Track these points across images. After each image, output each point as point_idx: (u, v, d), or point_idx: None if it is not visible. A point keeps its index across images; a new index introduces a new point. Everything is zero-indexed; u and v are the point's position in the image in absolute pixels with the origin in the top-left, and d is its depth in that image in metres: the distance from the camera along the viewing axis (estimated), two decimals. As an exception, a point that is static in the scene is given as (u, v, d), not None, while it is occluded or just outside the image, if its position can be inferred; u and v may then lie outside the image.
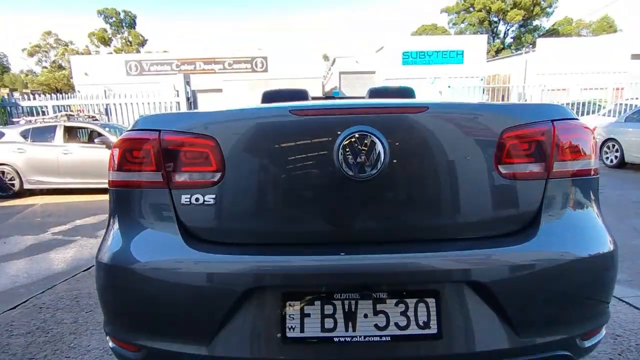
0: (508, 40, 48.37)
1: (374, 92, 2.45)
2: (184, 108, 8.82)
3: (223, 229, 1.16)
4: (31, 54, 47.17)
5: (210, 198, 1.13)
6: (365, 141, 1.09)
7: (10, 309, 2.63)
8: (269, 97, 2.45)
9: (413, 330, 1.05)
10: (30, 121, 7.99)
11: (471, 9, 45.69)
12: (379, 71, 29.47)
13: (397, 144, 1.12)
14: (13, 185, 7.19)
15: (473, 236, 1.15)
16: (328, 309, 1.06)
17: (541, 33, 45.39)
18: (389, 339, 1.05)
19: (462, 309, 1.08)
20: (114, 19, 48.55)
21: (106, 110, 9.59)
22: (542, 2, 43.80)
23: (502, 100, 16.25)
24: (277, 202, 1.16)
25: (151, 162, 1.16)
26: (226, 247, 1.13)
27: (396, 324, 1.06)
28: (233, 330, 1.06)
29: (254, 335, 1.06)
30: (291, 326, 1.06)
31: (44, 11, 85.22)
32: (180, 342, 1.08)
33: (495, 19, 46.60)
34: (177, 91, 9.07)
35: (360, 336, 1.05)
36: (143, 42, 50.82)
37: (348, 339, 1.05)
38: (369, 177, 1.09)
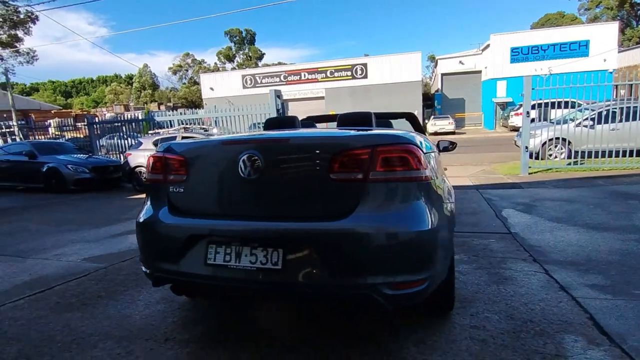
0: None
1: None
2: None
3: (186, 206, 2.00)
4: (174, 72, 56.37)
5: (180, 189, 2.00)
6: (252, 158, 1.82)
7: (123, 261, 3.93)
8: (269, 123, 3.10)
9: (268, 265, 1.74)
10: (157, 132, 10.23)
11: (608, -10, 39.48)
12: (486, 71, 27.76)
13: (270, 160, 1.82)
14: (147, 181, 9.30)
15: (310, 215, 1.77)
16: (228, 250, 1.82)
17: None
18: (255, 268, 1.75)
19: (297, 256, 1.73)
20: (237, 37, 55.05)
21: (215, 121, 11.58)
22: None
23: None
24: (211, 192, 1.97)
25: (160, 169, 2.08)
26: (186, 215, 1.97)
27: (260, 261, 1.75)
28: (187, 257, 1.89)
29: (195, 260, 1.87)
30: (209, 257, 1.84)
31: (182, 37, 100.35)
32: (166, 264, 1.96)
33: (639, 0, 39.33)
34: (272, 103, 10.48)
35: (241, 265, 1.77)
36: (261, 56, 56.50)
37: (235, 266, 1.79)
38: (253, 179, 1.83)
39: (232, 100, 29.90)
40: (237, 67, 52.06)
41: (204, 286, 1.91)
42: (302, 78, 28.34)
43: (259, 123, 26.17)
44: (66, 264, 3.65)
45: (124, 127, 11.70)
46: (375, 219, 1.68)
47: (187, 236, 1.88)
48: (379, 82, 27.08)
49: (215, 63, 56.48)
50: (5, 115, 27.63)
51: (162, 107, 48.20)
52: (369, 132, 2.00)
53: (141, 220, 2.06)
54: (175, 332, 2.20)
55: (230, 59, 55.61)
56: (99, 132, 12.32)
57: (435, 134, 24.60)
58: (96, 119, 14.31)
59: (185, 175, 2.00)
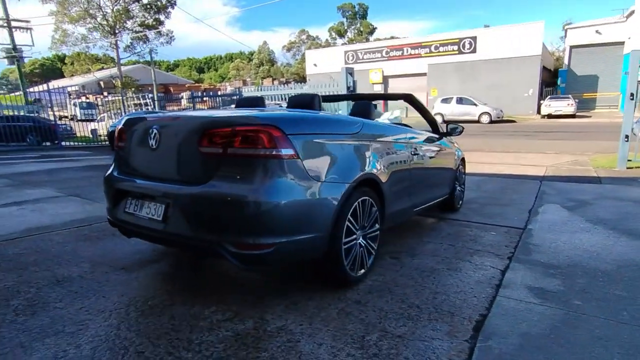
0: None
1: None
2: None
3: (123, 167, 2.54)
4: (288, 49, 59.38)
5: (121, 153, 2.54)
6: (155, 132, 2.25)
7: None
8: (240, 103, 3.35)
9: (155, 217, 2.15)
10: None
11: None
12: (629, 42, 22.93)
13: (164, 134, 2.23)
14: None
15: (184, 180, 2.14)
16: (136, 203, 2.29)
17: None
18: (148, 218, 2.19)
19: (172, 212, 2.07)
20: (350, 12, 55.02)
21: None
22: None
23: None
24: (134, 156, 2.46)
25: (117, 137, 2.62)
26: (121, 174, 2.51)
27: (151, 213, 2.19)
28: (118, 206, 2.42)
29: (120, 209, 2.38)
30: (126, 207, 2.35)
31: (303, 13, 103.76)
32: (112, 211, 2.52)
33: None
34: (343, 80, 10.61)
35: (141, 215, 2.22)
36: (372, 31, 55.67)
37: (138, 215, 2.25)
38: (154, 148, 2.25)
39: (333, 76, 30.56)
40: (347, 42, 52.35)
41: (126, 229, 2.43)
42: (405, 53, 27.34)
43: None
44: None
45: (220, 100, 13.33)
46: (224, 187, 1.96)
47: (117, 190, 2.42)
48: (490, 56, 24.57)
49: (327, 39, 57.62)
50: (149, 89, 33.14)
51: (275, 82, 51.62)
52: (239, 113, 2.23)
53: (105, 176, 2.67)
54: (133, 266, 2.81)
55: (342, 34, 56.06)
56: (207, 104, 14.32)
57: (550, 116, 21.55)
58: (219, 92, 16.79)
59: (124, 143, 2.52)
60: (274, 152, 1.95)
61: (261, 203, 1.90)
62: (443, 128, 4.22)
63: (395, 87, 28.58)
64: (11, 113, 14.42)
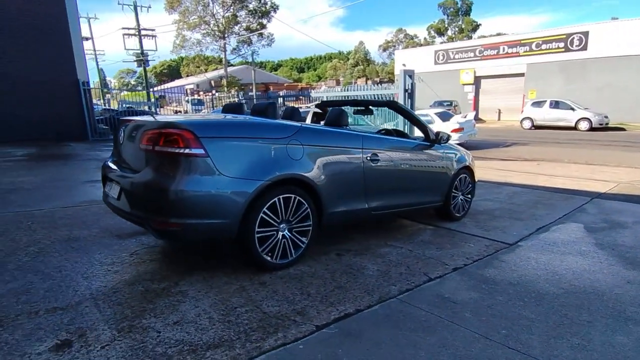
0: None
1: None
2: (400, 98, 10.26)
3: (111, 157, 3.22)
4: (384, 49, 58.95)
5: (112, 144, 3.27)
6: (125, 131, 2.84)
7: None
8: (226, 108, 3.75)
9: (115, 196, 2.73)
10: (308, 106, 12.02)
11: None
12: None
13: (127, 133, 2.81)
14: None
15: (132, 169, 2.68)
16: (110, 185, 2.91)
17: None
18: (113, 197, 2.78)
19: (125, 192, 2.63)
20: (451, 9, 52.39)
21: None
22: None
23: None
24: (115, 150, 3.12)
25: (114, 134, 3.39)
26: (110, 162, 3.16)
27: (114, 194, 2.77)
28: (105, 186, 3.13)
29: (105, 191, 3.09)
30: (106, 188, 3.00)
31: (403, 12, 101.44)
32: (103, 189, 3.26)
33: None
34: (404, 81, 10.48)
35: (111, 195, 2.82)
36: (475, 28, 52.20)
37: (110, 195, 2.85)
38: (122, 143, 2.87)
39: (422, 77, 29.66)
40: (446, 41, 50.01)
41: (107, 204, 3.12)
42: (501, 52, 25.27)
43: (444, 101, 25.37)
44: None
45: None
46: (148, 176, 2.50)
47: (103, 175, 3.14)
48: (604, 54, 21.40)
49: (425, 38, 55.77)
50: (250, 87, 36.32)
51: (369, 82, 51.89)
52: (168, 119, 2.78)
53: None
54: (125, 235, 3.54)
55: (441, 32, 53.72)
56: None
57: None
58: (310, 91, 18.40)
59: (114, 136, 3.23)
60: (185, 151, 2.42)
61: (170, 190, 2.39)
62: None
63: (487, 88, 26.63)
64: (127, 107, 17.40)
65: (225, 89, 36.84)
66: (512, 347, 1.97)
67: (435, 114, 12.67)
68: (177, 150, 2.42)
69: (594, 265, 3.14)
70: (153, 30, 27.46)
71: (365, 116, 9.45)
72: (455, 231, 4.06)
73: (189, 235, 2.53)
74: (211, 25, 37.68)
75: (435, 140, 4.11)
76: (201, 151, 2.43)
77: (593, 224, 4.33)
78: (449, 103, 24.11)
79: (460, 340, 2.01)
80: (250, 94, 28.68)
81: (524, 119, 19.37)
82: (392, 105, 4.01)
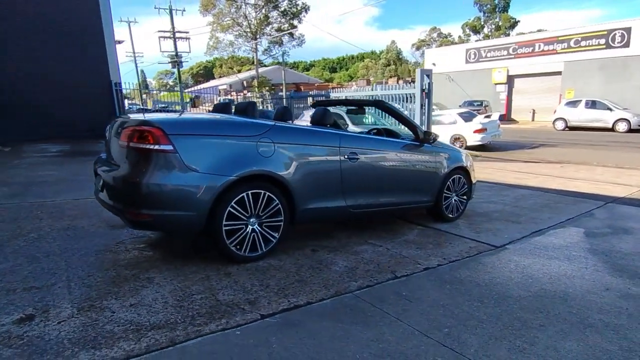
0: None
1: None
2: (417, 98, 10.12)
3: (104, 153, 3.44)
4: (417, 48, 57.94)
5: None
6: (108, 128, 3.06)
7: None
8: (216, 108, 3.93)
9: (100, 188, 2.92)
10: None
11: None
12: None
13: (117, 130, 2.92)
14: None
15: (115, 164, 2.87)
16: (97, 178, 3.11)
17: None
18: (99, 190, 2.99)
19: (106, 186, 2.82)
20: (488, 5, 50.68)
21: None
22: None
23: None
24: (106, 147, 3.29)
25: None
26: (101, 157, 3.39)
27: (100, 186, 2.97)
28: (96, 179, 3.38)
29: (95, 185, 3.32)
30: (96, 182, 3.21)
31: (440, 10, 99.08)
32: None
33: None
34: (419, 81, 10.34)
35: (97, 188, 3.07)
36: (513, 24, 50.21)
37: (97, 187, 3.09)
38: (110, 140, 3.05)
39: (452, 76, 28.89)
40: (482, 39, 48.43)
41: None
42: (536, 50, 24.17)
43: (475, 101, 24.68)
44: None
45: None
46: (124, 170, 2.69)
47: (94, 170, 3.38)
48: (649, 51, 20.01)
49: (460, 36, 54.30)
50: (280, 87, 36.89)
51: (401, 82, 51.11)
52: (144, 118, 2.91)
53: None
54: (119, 226, 3.79)
55: (477, 30, 52.11)
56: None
57: None
58: (331, 91, 18.61)
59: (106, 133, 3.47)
60: (155, 147, 2.59)
61: (142, 184, 2.57)
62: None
63: (521, 87, 25.57)
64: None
65: (256, 89, 37.62)
66: (447, 346, 1.98)
67: (458, 114, 12.38)
68: (147, 147, 2.60)
69: (577, 271, 3.04)
70: (187, 32, 28.54)
71: (374, 116, 9.41)
72: (444, 232, 4.02)
73: (160, 225, 2.70)
74: (243, 26, 38.57)
75: (424, 139, 4.09)
76: (170, 147, 2.59)
77: (595, 229, 4.17)
78: (479, 103, 23.39)
79: (396, 336, 2.04)
80: (280, 94, 29.16)
81: (556, 119, 18.44)
82: (379, 104, 4.03)
